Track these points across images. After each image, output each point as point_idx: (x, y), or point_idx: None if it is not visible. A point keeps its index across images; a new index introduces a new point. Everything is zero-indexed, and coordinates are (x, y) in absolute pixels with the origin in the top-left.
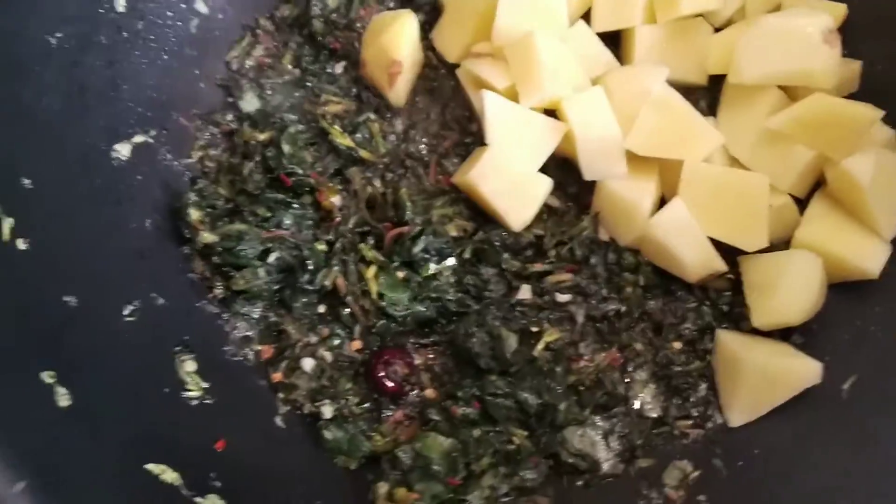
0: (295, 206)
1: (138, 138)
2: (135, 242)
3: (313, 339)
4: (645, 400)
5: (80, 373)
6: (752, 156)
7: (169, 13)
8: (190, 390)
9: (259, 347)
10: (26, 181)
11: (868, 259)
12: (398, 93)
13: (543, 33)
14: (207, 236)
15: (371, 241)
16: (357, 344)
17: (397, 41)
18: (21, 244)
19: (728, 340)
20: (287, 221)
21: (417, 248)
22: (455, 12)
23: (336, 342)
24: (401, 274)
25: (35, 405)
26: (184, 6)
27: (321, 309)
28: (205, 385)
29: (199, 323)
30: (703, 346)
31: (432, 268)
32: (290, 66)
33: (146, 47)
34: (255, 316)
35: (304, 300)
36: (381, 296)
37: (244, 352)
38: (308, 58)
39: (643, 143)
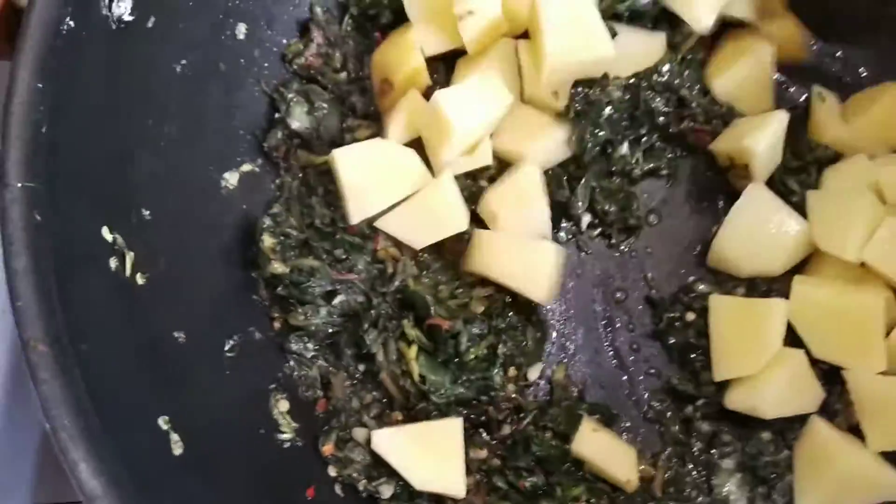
0: (366, 251)
1: (246, 167)
2: (236, 272)
3: (355, 403)
4: (731, 490)
5: (190, 416)
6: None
7: (284, 40)
8: (283, 432)
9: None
10: (146, 212)
11: None
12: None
13: None
14: (278, 266)
15: (412, 316)
16: (398, 416)
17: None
18: (140, 279)
19: (820, 429)
20: (359, 266)
21: (462, 346)
22: None
23: (375, 411)
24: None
25: (154, 453)
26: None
27: (361, 367)
28: (295, 426)
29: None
30: (793, 434)
31: (473, 352)
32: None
33: (260, 74)
34: (308, 356)
35: (350, 352)
36: (422, 378)
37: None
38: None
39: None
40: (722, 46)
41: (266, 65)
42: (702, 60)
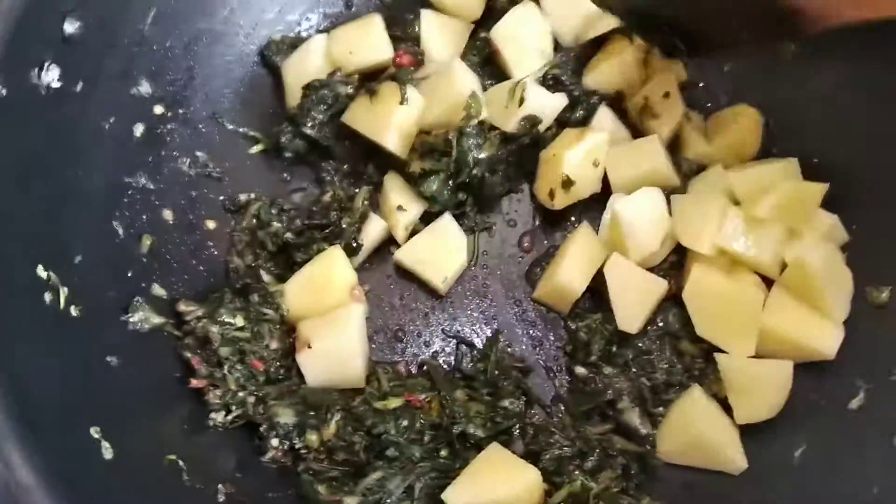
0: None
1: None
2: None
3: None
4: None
5: (120, 429)
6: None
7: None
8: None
9: None
10: (78, 257)
11: (826, 343)
12: None
13: None
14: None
15: None
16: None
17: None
18: (74, 311)
19: (698, 396)
20: None
21: None
22: None
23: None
24: None
25: (86, 456)
26: None
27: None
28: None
29: None
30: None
31: None
32: None
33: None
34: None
35: None
36: None
37: None
38: None
39: None
40: None
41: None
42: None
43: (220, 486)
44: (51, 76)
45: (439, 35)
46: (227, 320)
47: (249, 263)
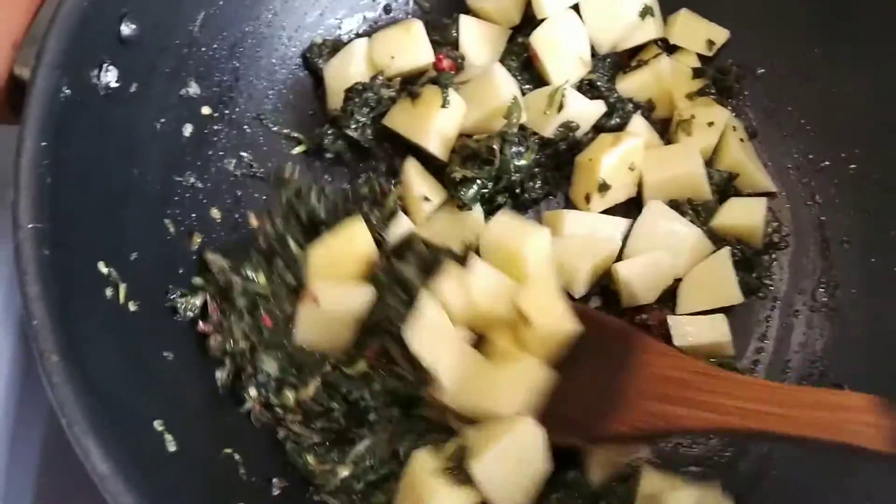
0: None
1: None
2: None
3: None
4: None
5: (181, 422)
6: None
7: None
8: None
9: None
10: (134, 254)
11: None
12: None
13: None
14: None
15: None
16: None
17: None
18: (132, 306)
19: None
20: None
21: None
22: None
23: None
24: None
25: (152, 447)
26: None
27: None
28: None
29: None
30: None
31: None
32: None
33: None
34: None
35: None
36: None
37: None
38: None
39: None
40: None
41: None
42: None
43: (274, 479)
44: (109, 77)
45: (478, 40)
46: (249, 274)
47: (281, 232)
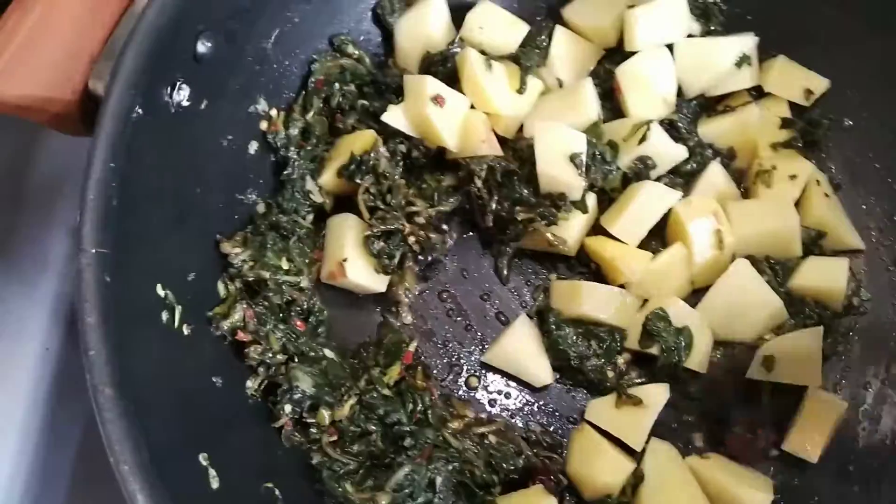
0: None
1: None
2: None
3: None
4: None
5: (225, 453)
6: None
7: None
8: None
9: None
10: (191, 275)
11: None
12: None
13: None
14: None
15: None
16: None
17: None
18: (185, 329)
19: None
20: None
21: None
22: None
23: None
24: None
25: (195, 485)
26: None
27: None
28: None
29: None
30: None
31: None
32: None
33: None
34: None
35: None
36: None
37: None
38: None
39: None
40: None
41: None
42: None
43: None
44: (181, 95)
45: (568, 54)
46: (273, 263)
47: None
